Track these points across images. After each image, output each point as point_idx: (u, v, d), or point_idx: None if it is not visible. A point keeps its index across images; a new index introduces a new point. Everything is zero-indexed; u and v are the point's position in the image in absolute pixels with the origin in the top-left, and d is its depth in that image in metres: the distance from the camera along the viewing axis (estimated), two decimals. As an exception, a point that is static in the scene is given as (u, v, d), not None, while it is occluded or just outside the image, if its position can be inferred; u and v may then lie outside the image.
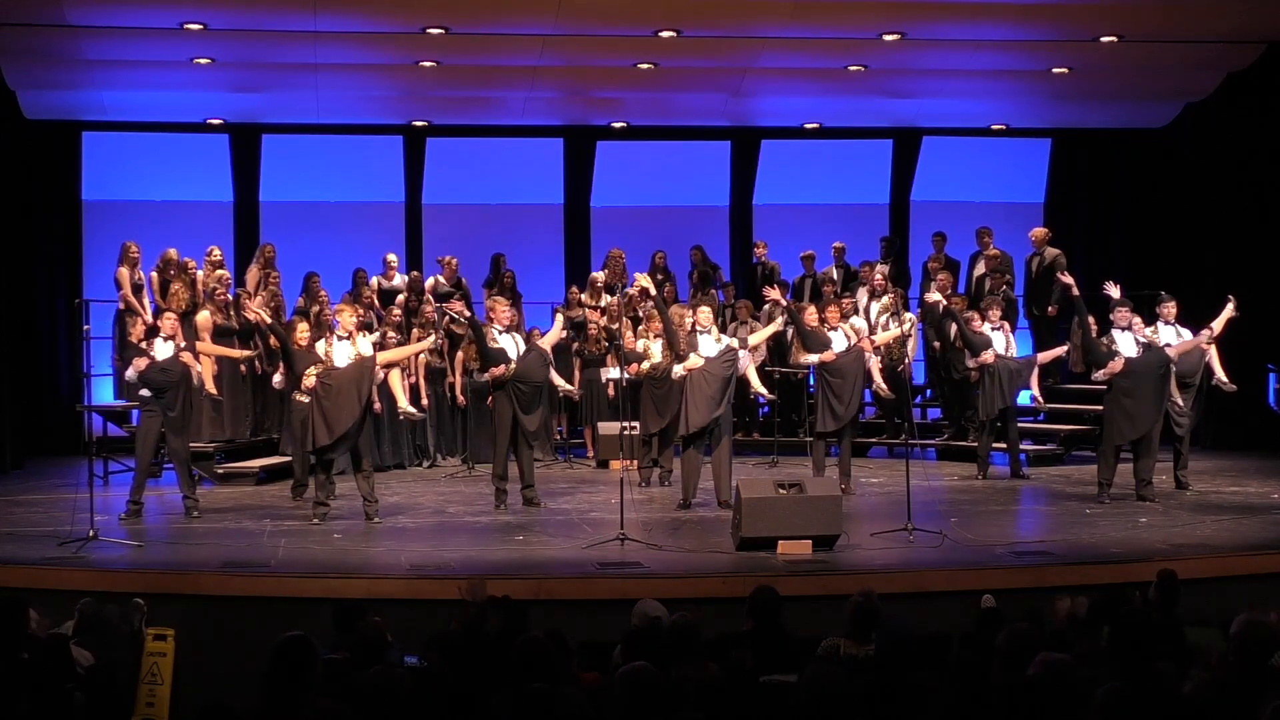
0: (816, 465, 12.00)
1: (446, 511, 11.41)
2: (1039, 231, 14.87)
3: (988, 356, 12.50)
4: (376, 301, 14.23)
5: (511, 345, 11.40)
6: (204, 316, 12.91)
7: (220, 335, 12.87)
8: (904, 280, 15.50)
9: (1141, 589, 7.56)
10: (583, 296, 14.95)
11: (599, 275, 15.11)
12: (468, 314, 11.84)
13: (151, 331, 11.36)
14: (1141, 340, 11.28)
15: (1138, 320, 11.49)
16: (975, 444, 13.43)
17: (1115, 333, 11.34)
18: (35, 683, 5.64)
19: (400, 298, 14.41)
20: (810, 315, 12.24)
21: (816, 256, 15.70)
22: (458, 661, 5.95)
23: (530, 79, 14.88)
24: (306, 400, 10.99)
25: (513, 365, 11.22)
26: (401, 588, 8.56)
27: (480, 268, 15.41)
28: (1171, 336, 11.75)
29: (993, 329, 12.80)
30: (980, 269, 14.88)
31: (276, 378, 11.89)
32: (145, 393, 10.68)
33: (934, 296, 13.42)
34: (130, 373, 10.80)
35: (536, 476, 11.67)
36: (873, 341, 12.53)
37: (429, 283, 14.86)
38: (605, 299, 14.77)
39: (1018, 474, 12.97)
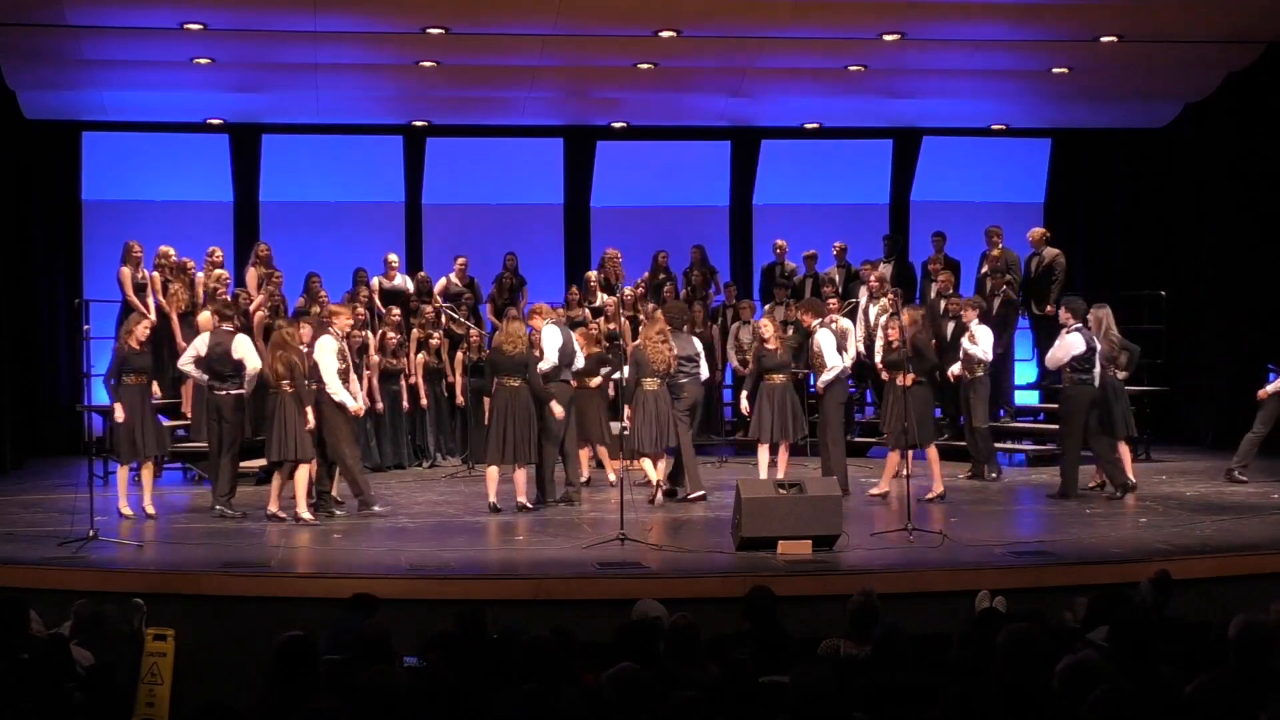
0: (824, 467, 11.96)
1: (446, 512, 11.41)
2: (1037, 231, 14.86)
3: None
4: (377, 301, 14.24)
5: (559, 337, 11.43)
6: (205, 317, 12.89)
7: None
8: (905, 280, 15.48)
9: (1131, 588, 7.56)
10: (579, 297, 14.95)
11: (592, 275, 15.11)
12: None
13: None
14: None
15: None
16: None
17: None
18: (35, 683, 5.64)
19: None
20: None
21: (819, 256, 15.70)
22: (458, 661, 5.95)
23: (530, 79, 14.88)
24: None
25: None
26: (401, 588, 8.56)
27: (480, 268, 15.39)
28: None
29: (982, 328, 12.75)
30: (983, 269, 14.86)
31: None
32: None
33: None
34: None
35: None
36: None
37: (440, 283, 14.87)
38: (602, 298, 14.76)
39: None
